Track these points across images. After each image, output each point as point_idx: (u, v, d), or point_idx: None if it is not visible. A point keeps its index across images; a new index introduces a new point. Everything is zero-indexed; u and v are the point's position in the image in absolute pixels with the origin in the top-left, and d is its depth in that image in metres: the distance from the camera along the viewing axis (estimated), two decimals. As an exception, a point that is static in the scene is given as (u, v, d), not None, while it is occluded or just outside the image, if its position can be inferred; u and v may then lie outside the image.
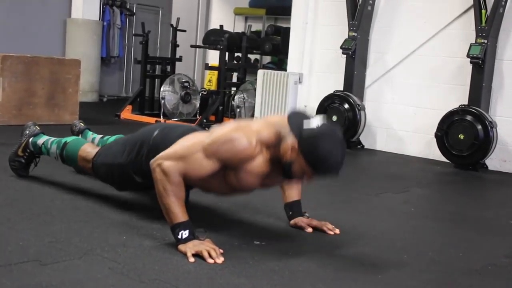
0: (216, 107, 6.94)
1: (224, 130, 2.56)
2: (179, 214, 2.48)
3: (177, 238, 2.47)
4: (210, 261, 2.38)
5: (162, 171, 2.49)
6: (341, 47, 6.12)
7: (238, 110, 6.88)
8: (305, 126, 2.43)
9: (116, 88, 10.20)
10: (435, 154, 5.66)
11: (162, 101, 7.19)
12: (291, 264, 2.44)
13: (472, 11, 5.48)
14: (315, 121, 2.44)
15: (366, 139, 6.30)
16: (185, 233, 2.47)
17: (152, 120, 7.08)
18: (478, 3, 5.34)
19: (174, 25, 7.88)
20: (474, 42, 5.35)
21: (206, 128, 2.76)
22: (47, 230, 2.62)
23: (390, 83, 6.21)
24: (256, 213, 3.20)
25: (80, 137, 3.72)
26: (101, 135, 3.65)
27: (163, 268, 2.28)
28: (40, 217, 2.81)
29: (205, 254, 2.40)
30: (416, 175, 5.01)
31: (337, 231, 2.94)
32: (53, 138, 3.45)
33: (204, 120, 6.79)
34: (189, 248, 2.43)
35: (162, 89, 7.26)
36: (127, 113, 7.35)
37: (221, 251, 2.46)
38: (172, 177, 2.48)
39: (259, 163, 2.51)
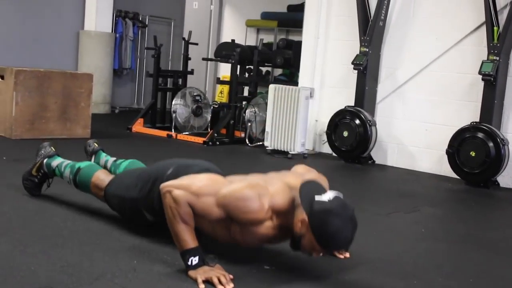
0: (228, 121, 6.95)
1: (240, 186, 2.52)
2: (189, 240, 2.49)
3: (187, 264, 2.48)
4: (220, 287, 2.38)
5: (172, 198, 2.50)
6: (352, 63, 6.13)
7: (249, 124, 6.88)
8: (317, 199, 2.39)
9: (128, 100, 10.26)
10: (446, 170, 5.65)
11: (174, 115, 7.22)
12: (300, 291, 2.44)
13: (484, 28, 5.48)
14: (327, 195, 2.41)
15: (377, 155, 6.29)
16: (195, 260, 2.48)
17: (163, 133, 7.12)
18: (490, 20, 5.34)
19: (186, 38, 7.93)
20: (486, 59, 5.34)
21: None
22: (58, 254, 2.64)
23: (401, 98, 6.20)
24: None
25: (93, 158, 3.75)
26: (114, 158, 3.66)
27: (173, 295, 2.29)
28: (52, 240, 2.83)
29: (215, 281, 2.41)
30: (427, 193, 5.00)
31: (347, 255, 2.95)
32: (67, 162, 3.48)
33: (215, 134, 6.80)
34: (200, 274, 2.44)
35: (173, 102, 7.29)
36: (138, 126, 7.39)
37: (231, 277, 2.47)
38: (182, 206, 2.49)
39: (267, 227, 2.51)
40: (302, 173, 2.80)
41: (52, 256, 2.60)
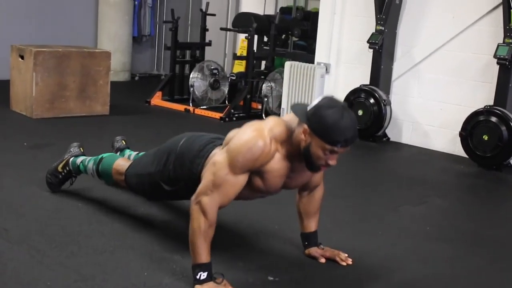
0: (244, 95, 7.01)
1: (239, 140, 2.62)
2: (203, 255, 2.61)
3: (195, 278, 2.61)
4: (224, 303, 2.53)
5: (200, 209, 2.59)
6: (368, 41, 6.13)
7: (266, 99, 6.94)
8: (309, 108, 2.55)
9: (148, 66, 10.32)
10: (460, 150, 5.67)
11: (191, 89, 7.30)
12: (301, 307, 2.57)
13: (501, 9, 5.42)
14: (316, 100, 2.58)
15: (392, 132, 6.34)
16: (203, 275, 2.60)
17: (181, 107, 7.21)
18: (506, 2, 5.28)
19: (204, 9, 7.93)
20: (501, 42, 5.31)
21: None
22: (74, 264, 2.78)
23: (417, 77, 6.20)
24: (272, 237, 3.32)
25: (118, 154, 3.87)
26: (137, 152, 3.79)
27: (180, 314, 2.43)
28: (68, 248, 2.98)
29: (220, 297, 2.55)
30: (438, 179, 5.04)
31: (350, 261, 3.05)
32: (90, 157, 3.63)
33: (232, 110, 6.87)
34: (205, 290, 2.58)
35: (191, 76, 7.36)
36: (157, 99, 7.49)
37: (236, 292, 2.62)
38: (209, 215, 2.58)
39: (278, 160, 2.63)
40: None
41: (68, 267, 2.75)
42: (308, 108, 2.55)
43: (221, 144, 2.87)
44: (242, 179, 2.63)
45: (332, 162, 2.60)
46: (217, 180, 2.62)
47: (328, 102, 2.54)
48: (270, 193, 2.85)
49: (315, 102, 2.56)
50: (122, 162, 3.39)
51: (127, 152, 3.87)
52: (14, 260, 2.79)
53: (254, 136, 2.59)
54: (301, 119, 2.56)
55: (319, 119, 2.48)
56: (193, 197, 2.67)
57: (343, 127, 2.48)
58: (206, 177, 2.69)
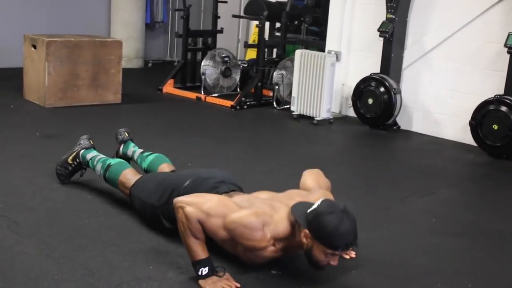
0: (255, 83, 7.03)
1: (247, 213, 2.66)
2: (200, 252, 2.68)
3: (198, 274, 2.67)
4: (227, 297, 2.60)
5: (184, 214, 2.67)
6: (378, 30, 6.11)
7: (277, 87, 6.96)
8: (308, 211, 2.59)
9: (161, 52, 10.37)
10: (471, 139, 5.66)
11: (203, 76, 7.33)
12: (302, 301, 2.62)
13: (512, -3, 5.40)
14: (315, 204, 2.60)
15: (402, 120, 6.34)
16: (205, 270, 2.67)
17: (193, 95, 7.26)
18: (518, -9, 5.25)
19: (215, -3, 7.95)
20: (512, 31, 5.29)
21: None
22: (81, 258, 2.86)
23: (427, 65, 6.19)
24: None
25: (122, 147, 3.93)
26: (141, 150, 3.84)
27: (183, 308, 2.49)
28: (76, 241, 3.05)
29: (223, 291, 2.61)
30: (447, 168, 5.05)
31: (353, 254, 3.10)
32: (100, 156, 3.69)
33: (244, 98, 6.90)
34: (208, 284, 2.64)
35: (202, 63, 7.40)
36: (169, 87, 7.53)
37: (238, 285, 2.67)
38: (192, 222, 2.66)
39: (269, 251, 2.70)
40: (310, 187, 2.99)
41: (75, 261, 2.82)
42: (308, 211, 2.58)
43: (225, 191, 2.95)
44: (224, 235, 2.68)
45: (333, 263, 2.64)
46: (208, 210, 2.67)
47: (327, 207, 2.56)
48: (249, 263, 2.85)
49: (315, 205, 2.59)
50: (129, 175, 3.44)
51: (131, 146, 3.91)
52: (23, 254, 2.86)
53: (258, 223, 2.62)
54: (302, 224, 2.60)
55: (319, 225, 2.53)
56: (176, 200, 2.74)
57: (343, 232, 2.52)
58: (200, 197, 2.75)
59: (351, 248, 3.06)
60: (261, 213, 2.68)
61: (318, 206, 2.58)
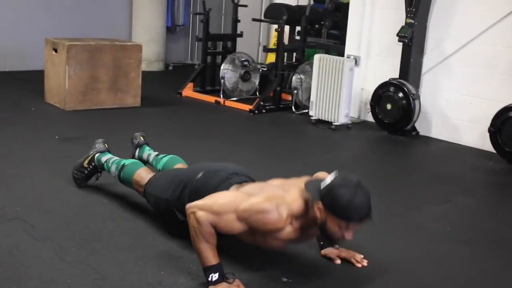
0: (274, 88, 7.04)
1: (258, 199, 2.69)
2: (210, 257, 2.69)
3: (208, 280, 2.69)
4: (237, 303, 2.61)
5: (195, 219, 2.69)
6: (397, 35, 6.08)
7: (295, 91, 6.97)
8: (322, 186, 2.60)
9: (182, 56, 10.42)
10: (490, 146, 5.61)
11: (222, 80, 7.36)
12: (312, 310, 2.62)
13: (533, 2, 5.34)
14: (329, 178, 2.61)
15: (421, 126, 6.30)
16: (215, 276, 2.68)
17: (212, 99, 7.28)
18: (539, -4, 5.19)
19: (235, 1, 7.97)
20: (533, 37, 5.23)
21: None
22: (94, 262, 2.89)
23: (447, 71, 6.15)
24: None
25: (137, 151, 3.97)
26: (156, 153, 3.87)
27: (193, 314, 2.51)
28: (91, 245, 3.08)
29: (233, 297, 2.63)
30: (465, 175, 5.01)
31: (365, 263, 3.09)
32: (114, 158, 3.74)
33: (262, 102, 6.91)
34: (218, 290, 2.66)
35: (222, 67, 7.43)
36: (188, 91, 7.57)
37: (248, 292, 2.69)
38: (204, 227, 2.68)
39: (287, 232, 2.70)
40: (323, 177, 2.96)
41: (88, 265, 2.85)
42: (322, 186, 2.60)
43: (237, 182, 2.97)
44: (241, 227, 2.70)
45: (348, 236, 2.64)
46: (218, 209, 2.70)
47: (341, 181, 2.58)
48: (270, 249, 2.88)
49: (328, 179, 2.61)
50: (143, 174, 3.48)
51: (147, 150, 3.95)
52: (38, 258, 2.90)
53: (272, 206, 2.63)
54: (315, 198, 2.61)
55: (333, 198, 2.54)
56: (188, 206, 2.77)
57: (357, 205, 2.53)
58: (209, 199, 2.78)
59: (361, 258, 3.09)
60: (271, 197, 2.69)
61: (332, 181, 2.59)
